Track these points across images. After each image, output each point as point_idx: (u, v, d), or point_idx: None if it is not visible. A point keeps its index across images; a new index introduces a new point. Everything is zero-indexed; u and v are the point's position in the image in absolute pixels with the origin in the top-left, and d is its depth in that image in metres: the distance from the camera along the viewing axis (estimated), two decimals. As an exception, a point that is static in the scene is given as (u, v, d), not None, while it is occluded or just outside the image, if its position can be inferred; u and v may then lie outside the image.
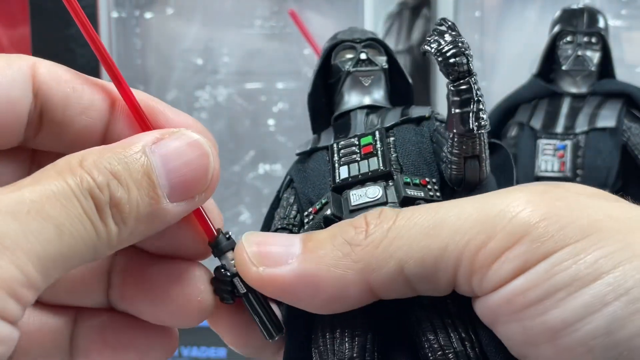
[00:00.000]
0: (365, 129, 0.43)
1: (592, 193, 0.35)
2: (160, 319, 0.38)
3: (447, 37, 0.36)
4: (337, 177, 0.40)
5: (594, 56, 0.81)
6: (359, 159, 0.40)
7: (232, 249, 0.37)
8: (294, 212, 0.42)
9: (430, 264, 0.33)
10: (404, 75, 0.47)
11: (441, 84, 1.09)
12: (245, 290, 0.36)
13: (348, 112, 0.45)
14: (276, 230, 0.42)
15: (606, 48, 0.81)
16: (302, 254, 0.34)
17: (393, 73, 0.47)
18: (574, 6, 0.84)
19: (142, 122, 0.36)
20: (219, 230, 0.37)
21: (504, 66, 1.13)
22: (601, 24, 0.82)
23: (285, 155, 1.20)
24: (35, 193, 0.29)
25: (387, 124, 0.42)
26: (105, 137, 0.37)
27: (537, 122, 0.81)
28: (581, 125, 0.79)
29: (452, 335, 0.34)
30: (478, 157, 0.38)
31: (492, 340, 0.34)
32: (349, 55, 0.46)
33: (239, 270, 0.36)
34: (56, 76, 0.36)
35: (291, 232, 0.41)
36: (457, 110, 0.37)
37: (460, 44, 0.36)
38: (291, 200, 0.43)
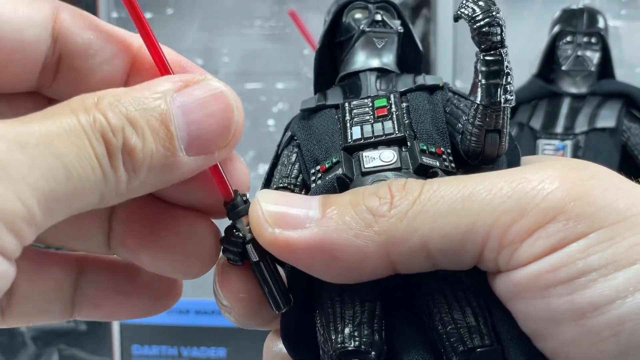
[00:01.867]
0: (377, 92, 0.41)
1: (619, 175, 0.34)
2: (160, 269, 0.36)
3: (482, 4, 0.35)
4: (350, 137, 0.39)
5: (594, 56, 0.81)
6: (372, 121, 0.39)
7: (248, 214, 0.34)
8: (295, 172, 0.40)
9: (457, 239, 0.31)
10: (414, 41, 0.46)
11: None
12: (257, 259, 0.34)
13: (357, 73, 0.43)
14: (277, 189, 0.39)
15: (606, 48, 0.81)
16: (321, 219, 0.32)
17: (404, 38, 0.45)
18: (574, 6, 0.84)
19: (165, 70, 0.34)
20: (236, 192, 0.35)
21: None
22: (601, 24, 0.82)
23: (285, 155, 1.20)
24: (45, 127, 0.27)
25: (400, 89, 0.41)
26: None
27: (536, 122, 0.81)
28: (581, 125, 0.79)
29: (465, 309, 0.33)
30: (499, 131, 0.36)
31: (505, 317, 0.33)
32: (363, 15, 0.44)
33: (252, 228, 0.33)
34: (79, 22, 0.34)
35: (292, 192, 0.39)
36: (485, 81, 0.35)
37: (494, 13, 0.35)
38: (292, 159, 0.41)
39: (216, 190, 0.35)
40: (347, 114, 0.40)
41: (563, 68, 0.81)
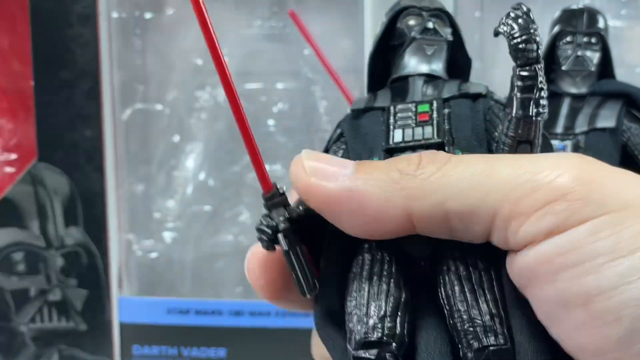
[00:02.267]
0: (422, 97, 0.44)
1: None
2: None
3: (521, 22, 0.37)
4: (391, 139, 0.41)
5: (594, 56, 0.81)
6: (413, 125, 0.42)
7: (284, 205, 0.39)
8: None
9: (473, 203, 0.34)
10: (464, 49, 0.48)
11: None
12: (287, 249, 0.38)
13: (406, 77, 0.46)
14: None
15: (606, 48, 0.81)
16: (354, 173, 0.36)
17: (454, 46, 0.48)
18: (574, 6, 0.84)
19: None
20: (274, 184, 0.40)
21: (504, 66, 1.13)
22: (601, 24, 0.82)
23: (285, 155, 1.20)
24: None
25: (445, 96, 0.43)
26: None
27: (537, 123, 0.81)
28: (581, 125, 0.79)
29: (482, 307, 0.35)
30: (531, 142, 0.38)
31: (520, 312, 0.35)
32: (416, 22, 0.47)
33: (292, 178, 0.38)
34: None
35: None
36: (519, 95, 0.37)
37: (532, 31, 0.37)
38: (340, 155, 0.44)
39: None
40: (392, 117, 0.43)
41: (563, 68, 0.81)
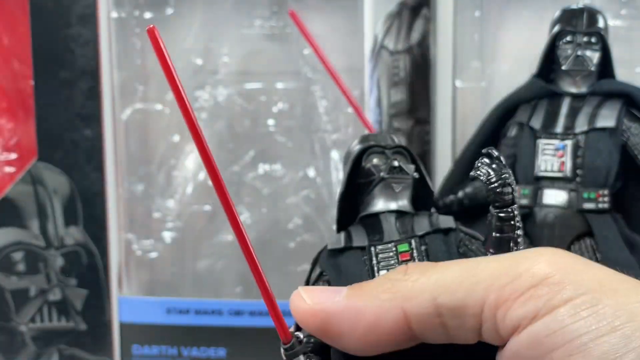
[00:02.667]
0: (398, 234, 0.47)
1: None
2: None
3: (495, 167, 0.41)
4: None
5: (594, 56, 0.81)
6: (396, 265, 0.44)
7: (305, 353, 0.41)
8: None
9: (461, 296, 0.36)
10: (427, 183, 0.51)
11: (441, 84, 1.09)
12: None
13: (377, 214, 0.49)
14: None
15: (606, 48, 0.81)
16: (350, 291, 0.40)
17: (417, 181, 0.51)
18: (574, 6, 0.84)
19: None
20: (292, 334, 0.42)
21: (504, 66, 1.13)
22: (601, 24, 0.82)
23: (285, 155, 1.20)
24: None
25: (419, 232, 0.46)
26: None
27: (536, 122, 0.81)
28: (581, 125, 0.79)
29: None
30: None
31: None
32: (380, 161, 0.50)
33: (293, 308, 0.41)
34: None
35: None
36: (498, 235, 0.42)
37: (506, 175, 0.41)
38: None
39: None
40: (374, 258, 0.46)
41: (563, 68, 0.81)
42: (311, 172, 1.20)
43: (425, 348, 0.39)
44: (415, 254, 0.45)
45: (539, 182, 0.79)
